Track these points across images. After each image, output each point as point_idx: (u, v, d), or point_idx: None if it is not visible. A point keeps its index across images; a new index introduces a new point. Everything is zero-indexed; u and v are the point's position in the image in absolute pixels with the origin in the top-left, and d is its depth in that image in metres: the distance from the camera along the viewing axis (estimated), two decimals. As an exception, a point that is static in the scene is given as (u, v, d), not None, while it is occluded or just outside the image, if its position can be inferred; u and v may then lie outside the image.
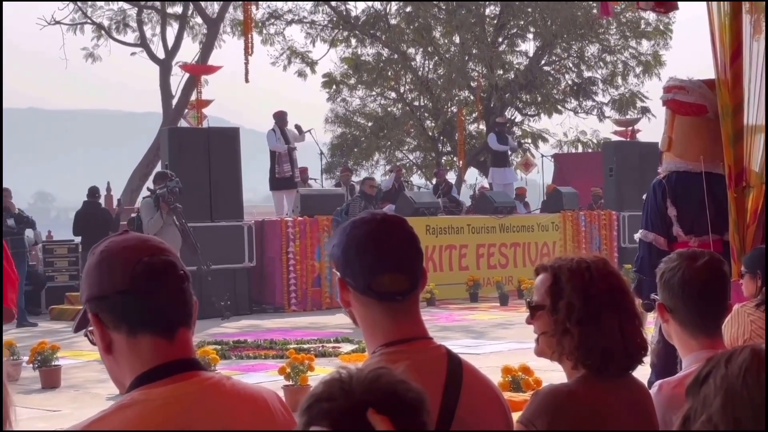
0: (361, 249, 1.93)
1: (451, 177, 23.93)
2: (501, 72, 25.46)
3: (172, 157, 14.41)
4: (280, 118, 16.49)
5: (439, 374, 1.91)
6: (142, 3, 24.52)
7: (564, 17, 24.38)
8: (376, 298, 1.92)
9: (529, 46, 26.61)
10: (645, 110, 25.42)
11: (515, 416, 2.04)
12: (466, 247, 16.26)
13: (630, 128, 22.19)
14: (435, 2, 26.21)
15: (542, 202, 19.52)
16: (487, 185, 20.99)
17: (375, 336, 1.95)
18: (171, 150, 14.46)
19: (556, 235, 17.52)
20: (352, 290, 1.94)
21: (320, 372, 7.69)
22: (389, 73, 26.81)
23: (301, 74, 26.37)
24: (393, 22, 26.06)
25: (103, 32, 24.44)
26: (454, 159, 26.55)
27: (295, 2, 26.16)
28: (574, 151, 26.31)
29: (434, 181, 20.82)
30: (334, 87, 27.30)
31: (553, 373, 2.26)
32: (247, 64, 21.62)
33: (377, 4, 26.13)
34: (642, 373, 2.43)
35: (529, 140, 26.78)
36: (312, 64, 26.30)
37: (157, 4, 24.56)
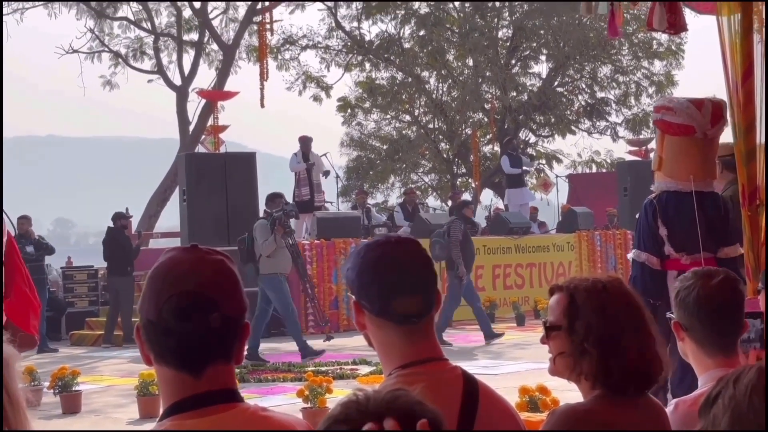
0: (376, 272, 1.94)
1: (467, 198, 23.96)
2: (514, 94, 25.52)
3: (189, 182, 14.59)
4: (304, 142, 16.63)
5: (455, 395, 1.93)
6: (159, 31, 24.80)
7: (576, 39, 24.49)
8: (392, 321, 1.93)
9: (542, 67, 26.77)
10: (659, 130, 25.40)
11: (532, 436, 2.11)
12: (482, 268, 16.32)
13: (644, 148, 22.22)
14: (448, 25, 26.38)
15: (558, 222, 19.57)
16: (502, 206, 21.05)
17: (391, 358, 1.96)
18: (188, 175, 14.65)
19: (572, 255, 17.58)
20: (368, 313, 1.96)
21: (338, 394, 7.74)
22: (403, 97, 26.94)
23: (316, 98, 26.54)
24: (407, 45, 26.23)
25: (120, 60, 24.70)
26: (469, 180, 26.64)
27: (310, 28, 26.41)
28: (588, 171, 26.34)
29: (450, 203, 20.87)
30: (349, 111, 27.45)
31: (570, 393, 2.23)
32: (262, 89, 21.87)
33: (391, 28, 26.32)
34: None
35: (544, 161, 26.80)
36: (327, 89, 26.47)
37: (174, 31, 24.82)
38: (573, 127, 26.54)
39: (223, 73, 24.09)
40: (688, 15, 6.22)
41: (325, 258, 14.75)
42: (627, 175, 18.41)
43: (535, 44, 26.23)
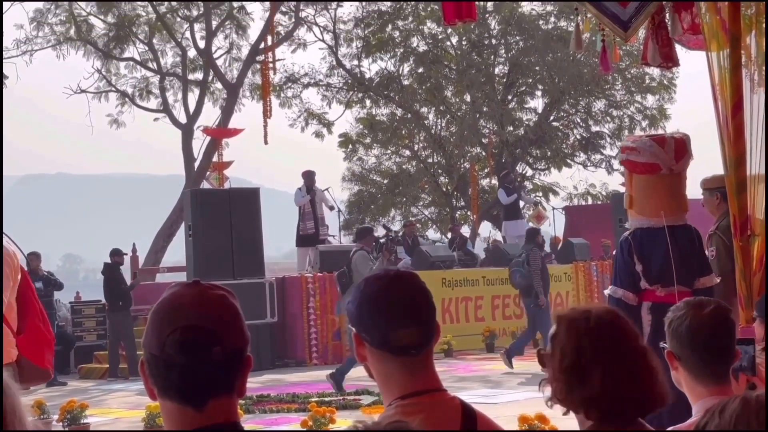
0: (376, 305, 1.96)
1: (465, 231, 24.14)
2: (511, 128, 25.85)
3: (194, 217, 14.74)
4: (308, 176, 16.90)
5: (454, 426, 1.96)
6: (164, 71, 25.19)
7: (571, 74, 24.78)
8: (392, 353, 1.95)
9: (537, 102, 27.05)
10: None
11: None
12: (482, 299, 16.53)
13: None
14: (446, 62, 26.75)
15: (554, 253, 19.86)
16: (500, 238, 21.30)
17: (391, 389, 1.98)
18: (194, 211, 14.78)
19: (569, 286, 17.83)
20: (368, 345, 1.98)
21: (341, 424, 7.87)
22: (403, 132, 27.20)
23: (318, 135, 26.76)
24: (406, 82, 26.55)
25: (127, 99, 24.92)
26: (468, 213, 26.77)
27: (311, 66, 26.79)
28: (584, 203, 26.46)
29: (449, 235, 21.14)
30: (350, 146, 27.66)
31: (569, 421, 2.22)
32: (265, 126, 22.09)
33: (390, 66, 26.67)
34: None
35: (540, 194, 26.92)
36: (329, 125, 26.72)
37: (179, 71, 25.19)
38: (569, 161, 26.80)
39: (227, 111, 24.28)
40: (679, 50, 6.55)
41: (327, 290, 14.91)
42: (622, 206, 18.49)
43: (530, 80, 26.54)
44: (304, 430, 7.80)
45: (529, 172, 27.47)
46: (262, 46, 24.02)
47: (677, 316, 2.66)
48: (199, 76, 25.28)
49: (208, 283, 1.74)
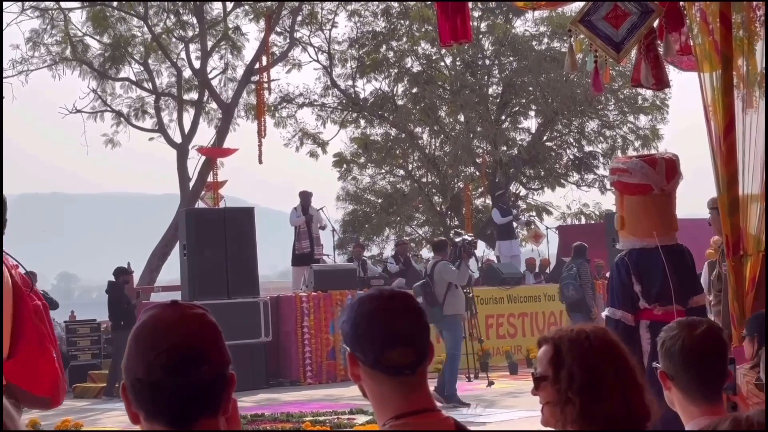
0: (370, 325, 1.97)
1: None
2: (505, 148, 25.97)
3: (189, 237, 14.75)
4: (305, 197, 16.97)
5: None
6: (160, 91, 25.28)
7: (564, 95, 24.93)
8: (385, 373, 1.96)
9: (531, 123, 27.17)
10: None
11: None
12: (475, 318, 16.59)
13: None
14: (440, 83, 26.89)
15: (548, 272, 19.92)
16: (493, 257, 21.35)
17: (384, 409, 1.98)
18: (189, 230, 14.80)
19: (563, 305, 17.89)
20: (362, 365, 1.98)
21: None
22: (397, 152, 27.31)
23: (312, 154, 26.85)
24: (400, 103, 26.64)
25: (122, 119, 24.96)
26: (462, 233, 26.86)
27: (306, 86, 26.95)
28: (577, 223, 26.54)
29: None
30: (344, 166, 27.73)
31: None
32: (260, 146, 22.19)
33: (384, 86, 26.81)
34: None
35: (534, 213, 27.02)
36: (323, 145, 26.80)
37: (174, 91, 25.27)
38: (562, 180, 26.90)
39: (222, 131, 24.34)
40: (672, 71, 6.61)
41: (322, 309, 14.94)
42: (615, 225, 18.73)
43: (524, 100, 26.69)
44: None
45: (523, 192, 27.59)
46: (257, 66, 24.12)
47: (670, 336, 2.68)
48: (194, 96, 25.36)
49: (186, 303, 1.73)
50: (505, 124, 26.83)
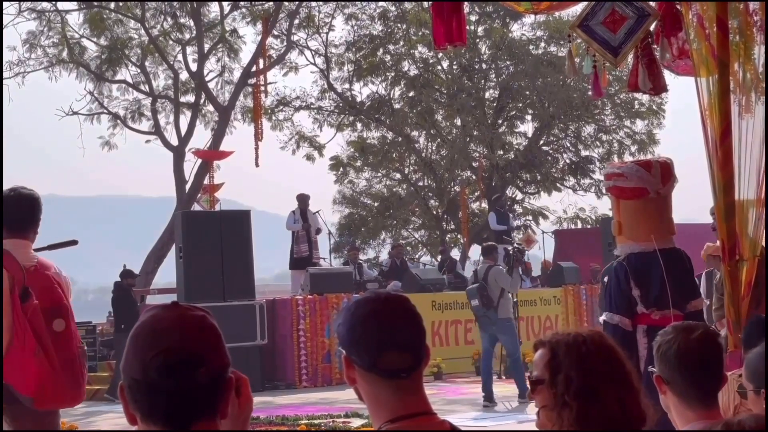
0: (366, 328, 1.96)
1: (455, 254, 24.24)
2: (501, 152, 26.03)
3: (185, 239, 14.72)
4: (302, 200, 16.96)
5: None
6: (156, 93, 25.28)
7: (561, 99, 25.01)
8: (381, 376, 1.96)
9: (527, 127, 27.27)
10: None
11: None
12: (472, 322, 16.41)
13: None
14: (437, 87, 26.93)
15: (545, 276, 19.94)
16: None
17: (380, 412, 1.98)
18: (185, 233, 14.76)
19: (559, 309, 17.87)
20: (358, 368, 1.98)
21: None
22: (394, 155, 27.35)
23: (309, 158, 26.85)
24: (397, 106, 26.69)
25: (119, 121, 24.94)
26: (458, 236, 26.82)
27: (303, 89, 26.95)
28: (573, 227, 26.60)
29: (439, 258, 21.21)
30: (341, 169, 27.79)
31: None
32: (257, 149, 22.19)
33: (381, 90, 26.84)
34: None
35: (530, 217, 27.08)
36: (320, 148, 26.82)
37: (171, 93, 25.28)
38: (558, 185, 26.95)
39: (218, 134, 24.32)
40: (668, 76, 6.61)
41: (317, 313, 14.92)
42: (611, 231, 18.69)
43: (521, 104, 26.77)
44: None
45: (519, 196, 27.65)
46: (253, 69, 24.14)
47: (665, 341, 2.68)
48: (190, 98, 25.36)
49: (186, 305, 1.72)
50: (502, 128, 26.88)
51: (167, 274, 20.22)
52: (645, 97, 25.00)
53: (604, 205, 26.29)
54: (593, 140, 26.83)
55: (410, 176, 27.72)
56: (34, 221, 4.50)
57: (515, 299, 12.98)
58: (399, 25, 26.30)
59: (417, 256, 26.55)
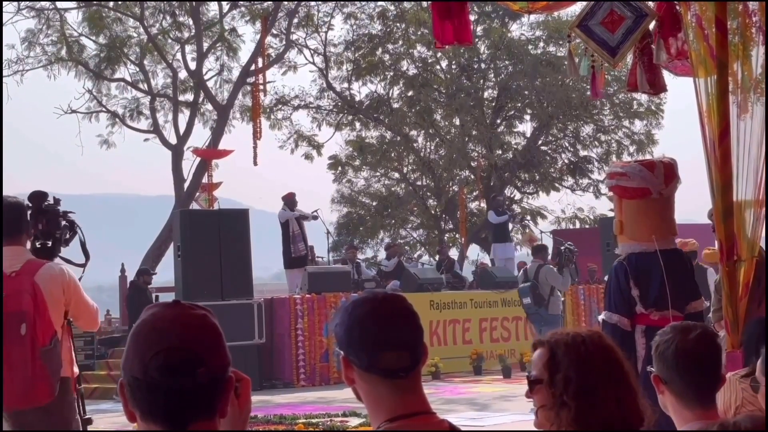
0: (364, 328, 1.96)
1: (454, 253, 24.26)
2: (500, 152, 26.10)
3: (184, 238, 14.74)
4: (290, 200, 16.98)
5: None
6: (155, 92, 25.29)
7: (559, 99, 25.03)
8: (380, 375, 1.96)
9: (526, 127, 27.30)
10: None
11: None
12: (470, 321, 16.56)
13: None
14: (435, 86, 26.94)
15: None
16: (487, 261, 21.36)
17: (379, 412, 1.98)
18: (183, 231, 14.78)
19: (557, 309, 17.92)
20: (356, 368, 1.98)
21: None
22: (392, 155, 27.34)
23: (307, 157, 26.88)
24: (395, 106, 26.70)
25: (117, 120, 24.94)
26: (456, 236, 26.85)
27: (302, 88, 26.96)
28: (571, 227, 26.60)
29: (437, 257, 21.23)
30: (339, 168, 27.79)
31: None
32: (255, 147, 22.19)
33: (380, 89, 26.85)
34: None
35: (529, 217, 27.09)
36: (318, 147, 26.84)
37: (170, 92, 25.28)
38: (557, 185, 26.98)
39: (217, 132, 24.33)
40: (667, 76, 6.61)
41: (315, 312, 14.93)
42: (609, 231, 18.48)
43: (519, 104, 26.79)
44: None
45: (518, 196, 27.67)
46: (252, 68, 24.15)
47: (664, 340, 2.68)
48: (189, 97, 25.37)
49: (188, 303, 1.72)
50: (501, 127, 26.91)
51: (165, 272, 20.21)
52: (644, 98, 25.03)
53: (603, 205, 26.33)
54: (592, 140, 26.87)
55: (409, 176, 27.75)
56: (22, 227, 4.71)
57: (563, 297, 13.25)
58: (398, 24, 26.31)
59: (416, 255, 26.56)
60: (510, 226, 20.52)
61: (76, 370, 4.79)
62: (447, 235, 27.57)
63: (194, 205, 22.68)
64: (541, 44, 26.44)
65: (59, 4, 24.40)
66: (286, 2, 24.82)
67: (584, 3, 5.86)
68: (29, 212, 4.78)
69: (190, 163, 24.00)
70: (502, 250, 19.75)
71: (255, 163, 21.97)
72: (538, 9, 5.92)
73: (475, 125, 25.75)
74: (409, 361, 1.97)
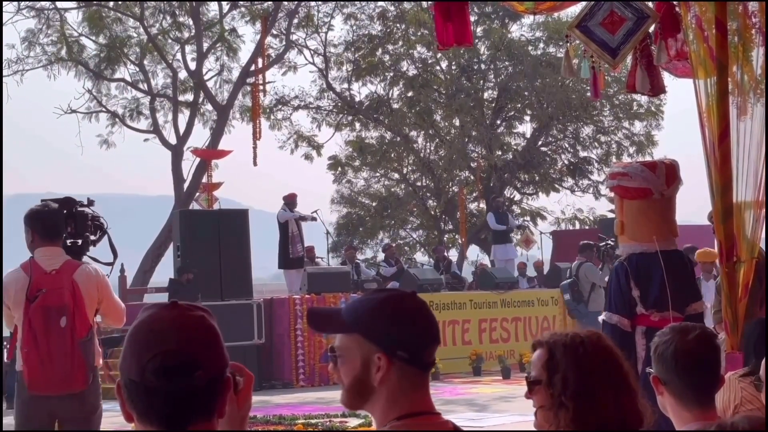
0: (416, 322, 1.98)
1: (453, 254, 24.25)
2: (500, 153, 26.09)
3: (183, 238, 14.77)
4: (291, 201, 16.99)
5: None
6: (155, 92, 25.28)
7: (559, 100, 25.02)
8: (419, 368, 1.98)
9: (526, 127, 27.28)
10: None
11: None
12: (469, 322, 16.54)
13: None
14: (435, 87, 26.95)
15: (541, 276, 19.95)
16: (487, 262, 21.36)
17: (394, 407, 1.97)
18: (183, 232, 14.81)
19: (556, 310, 17.86)
20: (398, 362, 1.96)
21: None
22: (392, 155, 27.32)
23: (307, 157, 26.90)
24: (395, 106, 26.68)
25: (117, 120, 24.95)
26: (456, 237, 26.82)
27: (302, 89, 26.97)
28: (571, 228, 26.58)
29: (435, 257, 21.22)
30: (339, 169, 27.77)
31: None
32: (255, 148, 22.17)
33: (380, 90, 26.86)
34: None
35: (528, 218, 27.08)
36: (318, 148, 26.85)
37: (169, 92, 25.27)
38: (556, 185, 26.97)
39: (217, 133, 24.33)
40: (667, 77, 6.61)
41: (315, 312, 15.04)
42: (609, 231, 18.66)
43: (519, 105, 26.78)
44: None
45: (517, 197, 27.66)
46: (252, 68, 24.14)
47: (663, 341, 2.68)
48: (189, 97, 25.37)
49: (186, 304, 1.70)
50: (500, 128, 26.91)
51: (165, 272, 20.21)
52: (644, 99, 25.03)
53: (602, 206, 26.32)
54: (592, 141, 26.84)
55: (408, 176, 27.72)
56: (60, 230, 5.31)
57: None
58: (398, 25, 26.31)
59: (414, 257, 26.56)
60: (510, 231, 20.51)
61: (101, 361, 5.28)
62: (447, 235, 27.56)
63: (194, 205, 22.68)
64: (541, 45, 26.44)
65: (59, 4, 24.43)
66: (286, 2, 24.81)
67: (584, 3, 5.86)
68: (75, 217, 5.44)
69: (189, 164, 24.05)
70: (502, 251, 19.75)
71: (255, 164, 21.96)
72: (543, 10, 5.92)
73: (475, 126, 25.75)
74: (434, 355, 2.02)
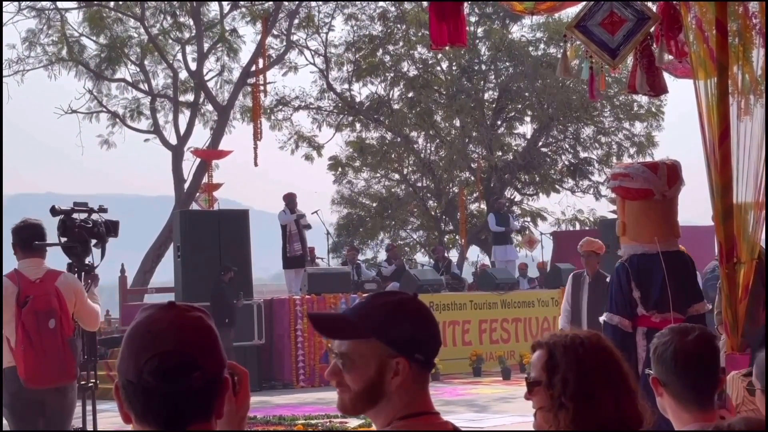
0: (431, 324, 2.00)
1: (453, 255, 24.24)
2: (500, 153, 26.11)
3: (184, 238, 14.79)
4: (290, 200, 17.00)
5: None
6: (156, 92, 25.29)
7: (560, 101, 25.03)
8: (427, 369, 1.98)
9: (526, 128, 27.25)
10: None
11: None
12: (469, 323, 16.57)
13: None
14: (436, 87, 26.96)
15: (543, 278, 19.95)
16: (488, 262, 21.35)
17: (398, 405, 1.96)
18: (183, 232, 14.84)
19: (556, 310, 17.84)
20: (415, 365, 1.95)
21: None
22: (393, 156, 27.36)
23: (308, 158, 26.92)
24: (396, 107, 26.68)
25: (117, 120, 24.97)
26: (456, 237, 26.84)
27: (302, 89, 26.98)
28: (571, 229, 26.56)
29: (435, 258, 21.22)
30: (339, 169, 27.79)
31: None
32: (256, 148, 22.22)
33: (380, 90, 26.87)
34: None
35: (529, 219, 27.10)
36: (318, 148, 26.88)
37: (170, 92, 25.28)
38: (557, 186, 26.96)
39: (217, 133, 24.36)
40: (668, 78, 6.61)
41: (315, 312, 15.04)
42: (609, 232, 18.66)
43: (520, 106, 26.77)
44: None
45: (518, 197, 27.65)
46: (253, 68, 24.16)
47: (662, 342, 2.68)
48: (190, 97, 25.39)
49: (183, 305, 1.69)
50: (501, 129, 26.91)
51: (165, 273, 20.22)
52: (644, 99, 25.04)
53: (603, 207, 26.32)
54: (592, 142, 26.84)
55: (409, 177, 27.72)
56: (40, 243, 5.86)
57: None
58: (398, 25, 26.31)
59: (414, 257, 26.55)
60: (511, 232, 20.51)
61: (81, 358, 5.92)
62: (447, 236, 27.56)
63: (194, 206, 22.70)
64: (542, 46, 26.43)
65: (60, 4, 24.45)
66: (286, 3, 24.82)
67: (583, 3, 5.86)
68: (65, 223, 6.07)
69: (190, 164, 24.07)
70: (502, 252, 19.75)
71: (255, 164, 21.99)
72: (543, 10, 5.92)
73: (476, 126, 25.76)
74: None
